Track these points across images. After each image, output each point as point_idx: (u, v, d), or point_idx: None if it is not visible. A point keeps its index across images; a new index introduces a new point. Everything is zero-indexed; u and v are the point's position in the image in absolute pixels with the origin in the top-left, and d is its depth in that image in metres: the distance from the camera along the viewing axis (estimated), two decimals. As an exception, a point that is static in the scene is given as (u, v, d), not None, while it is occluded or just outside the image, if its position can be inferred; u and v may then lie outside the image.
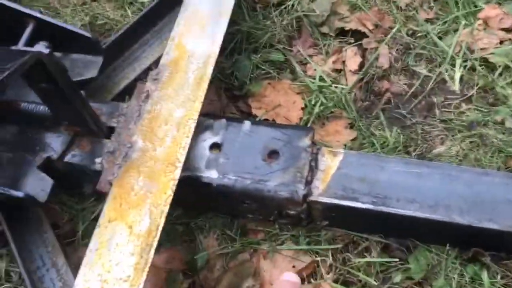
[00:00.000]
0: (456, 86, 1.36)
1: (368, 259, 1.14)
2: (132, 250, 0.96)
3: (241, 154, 1.15)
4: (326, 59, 1.44)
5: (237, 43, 1.46)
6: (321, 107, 1.36)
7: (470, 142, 1.25)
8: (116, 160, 1.08)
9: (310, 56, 1.45)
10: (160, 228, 0.98)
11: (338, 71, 1.43)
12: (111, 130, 1.17)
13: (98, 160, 1.15)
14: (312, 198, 1.10)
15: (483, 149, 1.23)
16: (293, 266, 1.17)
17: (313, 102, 1.37)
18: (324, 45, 1.47)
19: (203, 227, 1.24)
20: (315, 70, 1.42)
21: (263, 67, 1.44)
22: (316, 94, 1.37)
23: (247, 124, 1.18)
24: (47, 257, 1.14)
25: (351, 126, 1.34)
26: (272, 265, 1.17)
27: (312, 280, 1.15)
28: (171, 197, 1.02)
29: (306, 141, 1.15)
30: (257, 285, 1.14)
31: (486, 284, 1.07)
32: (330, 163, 1.14)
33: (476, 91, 1.33)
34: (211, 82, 1.40)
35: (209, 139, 1.17)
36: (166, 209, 1.00)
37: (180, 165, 1.05)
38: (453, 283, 1.09)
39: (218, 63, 1.42)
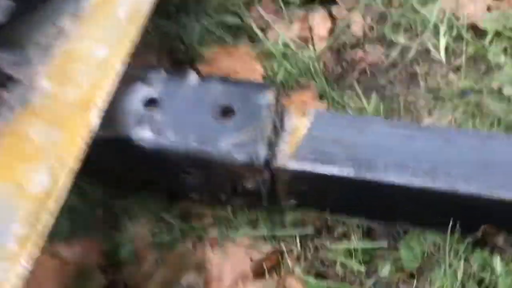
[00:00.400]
0: (442, 55, 1.16)
1: (347, 244, 0.88)
2: (19, 218, 0.67)
3: (184, 111, 0.89)
4: (290, 26, 1.23)
5: (184, 3, 1.23)
6: (285, 75, 1.13)
7: (464, 112, 1.04)
8: (10, 105, 0.79)
9: (273, 21, 1.24)
10: (63, 189, 0.70)
11: (304, 38, 1.21)
12: (12, 79, 0.89)
13: (-9, 111, 0.86)
14: (276, 163, 0.85)
15: (481, 118, 1.03)
16: (251, 259, 0.89)
17: (275, 70, 1.14)
18: (288, 13, 1.26)
19: (131, 211, 0.95)
20: (278, 36, 1.20)
21: (215, 32, 1.20)
22: (279, 60, 1.15)
23: (193, 77, 0.93)
24: None
25: (321, 97, 1.11)
26: (222, 257, 0.89)
27: (275, 275, 0.87)
28: (82, 149, 0.73)
29: (268, 98, 0.90)
30: (201, 281, 0.85)
31: (499, 272, 0.83)
32: (299, 123, 0.89)
33: (465, 60, 1.14)
34: (151, 46, 1.17)
35: (142, 92, 0.91)
36: (74, 164, 0.72)
37: (98, 112, 0.77)
38: (458, 274, 0.84)
39: (160, 25, 1.20)
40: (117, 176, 0.94)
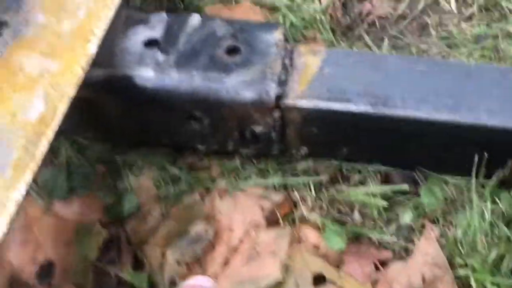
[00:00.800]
0: (452, 5, 1.11)
1: (365, 189, 0.82)
2: (12, 143, 0.61)
3: (188, 52, 0.83)
4: (293, -19, 1.18)
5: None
6: (291, 28, 1.07)
7: (481, 56, 0.99)
8: (3, 39, 0.74)
9: (276, -25, 1.19)
10: (60, 115, 0.64)
11: (308, -7, 1.17)
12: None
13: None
14: (287, 101, 0.79)
15: (498, 62, 0.98)
16: (262, 208, 0.83)
17: (281, 22, 1.09)
18: (291, -30, 1.22)
19: (134, 164, 0.89)
20: (281, -10, 1.15)
21: (215, -14, 1.16)
22: (284, 13, 1.09)
23: (195, 17, 0.88)
24: None
25: (329, 49, 1.06)
26: (232, 207, 0.82)
27: (289, 224, 0.81)
28: (79, 78, 0.68)
29: (276, 36, 0.85)
30: (210, 231, 0.79)
31: (531, 211, 0.78)
32: (310, 62, 0.84)
33: (477, 8, 1.10)
34: (150, 3, 1.12)
35: (143, 33, 0.85)
36: (71, 91, 0.66)
37: (95, 40, 0.72)
38: (486, 215, 0.78)
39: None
40: (118, 126, 0.88)
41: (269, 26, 0.88)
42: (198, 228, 0.80)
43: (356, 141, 0.84)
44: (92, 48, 0.71)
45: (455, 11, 1.11)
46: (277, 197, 0.83)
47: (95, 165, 0.89)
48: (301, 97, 0.79)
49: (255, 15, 1.11)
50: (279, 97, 0.78)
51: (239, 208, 0.82)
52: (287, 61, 0.83)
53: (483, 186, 0.81)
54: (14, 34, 0.73)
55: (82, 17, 0.75)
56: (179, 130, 0.86)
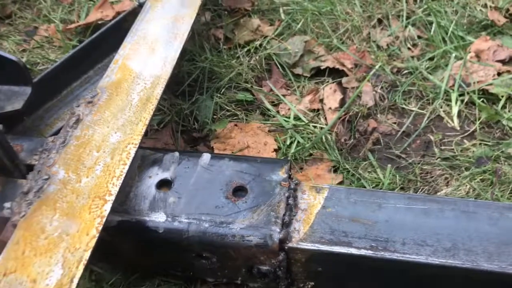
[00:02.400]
0: (455, 122, 1.15)
1: (369, 329, 0.84)
2: (31, 314, 0.66)
3: (198, 192, 0.88)
4: (301, 99, 1.24)
5: (197, 82, 1.25)
6: (298, 148, 1.13)
7: (482, 180, 1.02)
8: (27, 197, 0.80)
9: (283, 96, 1.25)
10: (76, 281, 0.69)
11: (315, 110, 1.22)
12: (31, 169, 0.91)
13: (7, 204, 0.86)
14: (291, 244, 0.83)
15: (499, 187, 1.00)
16: None
17: (288, 143, 1.14)
18: (298, 86, 1.28)
19: (148, 297, 0.93)
20: (289, 109, 1.21)
21: (228, 107, 1.22)
22: (291, 134, 1.15)
23: (205, 156, 0.94)
24: None
25: (335, 170, 1.10)
26: None
27: None
28: (95, 239, 0.73)
29: (280, 174, 0.90)
30: None
31: None
32: (313, 200, 0.88)
33: (478, 125, 1.13)
34: (167, 124, 1.19)
35: (156, 175, 0.91)
36: (86, 255, 0.71)
37: (111, 199, 0.78)
38: None
39: (175, 104, 1.22)
40: (132, 261, 0.93)
41: (274, 163, 0.93)
42: None
43: (359, 279, 0.86)
44: (107, 208, 0.76)
45: (458, 127, 1.15)
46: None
47: (110, 297, 0.94)
48: (304, 239, 0.83)
49: (264, 135, 1.17)
50: (282, 241, 0.82)
51: None
52: (291, 201, 0.87)
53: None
54: (38, 192, 0.80)
55: (99, 173, 0.82)
56: (189, 266, 0.90)
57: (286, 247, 0.83)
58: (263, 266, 0.86)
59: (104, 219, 0.75)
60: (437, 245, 0.81)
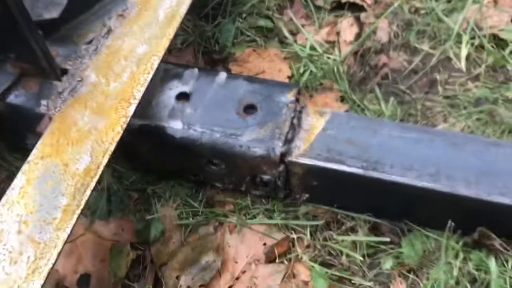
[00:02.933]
0: (462, 64, 1.21)
1: (353, 237, 0.96)
2: (64, 190, 0.78)
3: (212, 106, 0.98)
4: (319, 31, 1.30)
5: (221, 5, 1.32)
6: (310, 76, 1.20)
7: (477, 119, 1.09)
8: (62, 95, 0.91)
9: (303, 26, 1.31)
10: (102, 168, 0.80)
11: (331, 42, 1.28)
12: (65, 72, 1.01)
13: (44, 102, 0.98)
14: (291, 158, 0.93)
15: (492, 127, 1.07)
16: (264, 244, 0.98)
17: (301, 71, 1.22)
18: (317, 18, 1.33)
19: (162, 195, 1.05)
20: (306, 39, 1.28)
21: (248, 33, 1.29)
22: (305, 62, 1.22)
23: (222, 75, 1.02)
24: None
25: (342, 99, 1.18)
26: (239, 241, 0.98)
27: (285, 261, 0.96)
28: (119, 135, 0.84)
29: (288, 97, 0.99)
30: (218, 261, 0.95)
31: (494, 273, 0.88)
32: (315, 122, 0.97)
33: (484, 69, 1.19)
34: (189, 44, 1.27)
35: (176, 88, 1.00)
36: (111, 147, 0.82)
37: (135, 102, 0.88)
38: (453, 271, 0.90)
39: (198, 26, 1.29)
40: (150, 162, 1.04)
41: (284, 86, 1.01)
42: (208, 258, 0.95)
43: (350, 194, 0.97)
44: (132, 110, 0.87)
45: (464, 69, 1.21)
46: (279, 236, 0.98)
47: (129, 192, 1.07)
48: (303, 155, 0.93)
49: (280, 62, 1.24)
50: (284, 154, 0.92)
51: (245, 243, 0.98)
52: (295, 121, 0.96)
53: (458, 242, 0.93)
54: (72, 92, 0.91)
55: (126, 79, 0.91)
56: (200, 171, 1.01)
57: (286, 160, 0.93)
58: (265, 176, 0.96)
59: (128, 119, 0.86)
60: (422, 170, 0.90)
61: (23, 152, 1.10)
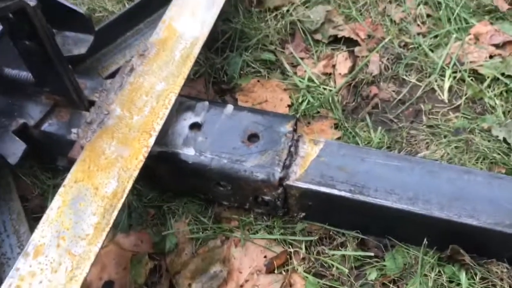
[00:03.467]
0: (445, 95, 1.35)
1: (343, 252, 1.09)
2: (95, 210, 0.92)
3: (220, 135, 1.12)
4: (317, 63, 1.45)
5: (229, 40, 1.46)
6: (308, 106, 1.34)
7: (456, 147, 1.23)
8: (92, 126, 1.05)
9: (302, 59, 1.46)
10: (127, 191, 0.95)
11: (327, 74, 1.42)
12: (92, 104, 1.16)
13: (74, 130, 1.13)
14: (288, 182, 1.07)
15: (469, 154, 1.21)
16: (265, 256, 1.12)
17: (300, 101, 1.36)
18: (316, 51, 1.48)
19: (176, 211, 1.20)
20: (305, 71, 1.42)
21: (253, 65, 1.44)
22: (303, 93, 1.37)
23: (229, 107, 1.17)
24: (10, 224, 1.10)
25: (336, 127, 1.32)
26: (243, 253, 1.12)
27: (283, 272, 1.10)
28: (142, 163, 0.99)
29: (287, 127, 1.13)
30: (224, 271, 1.09)
31: (464, 285, 1.02)
32: (310, 150, 1.11)
33: (464, 100, 1.33)
34: (201, 75, 1.42)
35: (189, 118, 1.15)
36: (135, 173, 0.97)
37: (155, 134, 1.03)
38: (429, 282, 1.03)
39: (209, 58, 1.44)
40: (166, 183, 1.19)
41: (283, 118, 1.15)
42: (216, 268, 1.09)
43: (340, 214, 1.10)
44: (152, 141, 1.01)
45: (446, 100, 1.35)
46: (278, 249, 1.12)
47: (147, 208, 1.21)
48: (299, 179, 1.07)
49: (281, 92, 1.39)
50: (282, 179, 1.06)
51: (248, 255, 1.12)
52: (292, 149, 1.10)
53: (434, 258, 1.06)
54: (100, 123, 1.05)
55: (147, 113, 1.06)
56: (209, 191, 1.16)
57: (284, 184, 1.07)
58: (266, 197, 1.11)
59: (149, 149, 1.01)
60: (402, 194, 1.04)
61: (54, 172, 1.26)
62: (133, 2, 1.45)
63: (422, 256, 1.04)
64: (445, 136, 1.26)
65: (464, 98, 1.33)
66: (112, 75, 1.34)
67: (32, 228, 1.11)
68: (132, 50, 1.40)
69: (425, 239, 1.04)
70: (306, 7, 1.54)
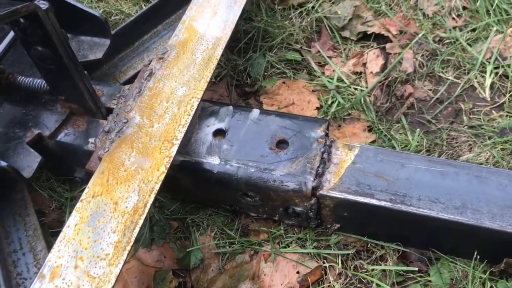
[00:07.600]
0: (487, 93, 1.25)
1: (383, 266, 1.00)
2: (114, 227, 0.85)
3: (247, 142, 1.05)
4: (346, 62, 1.36)
5: (252, 40, 1.39)
6: (338, 108, 1.26)
7: (502, 149, 1.13)
8: (110, 136, 0.99)
9: (330, 57, 1.37)
10: (149, 206, 0.87)
11: (358, 73, 1.33)
12: (110, 112, 1.09)
13: (91, 140, 1.06)
14: (322, 191, 0.98)
15: (517, 157, 1.11)
16: (297, 272, 1.03)
17: (329, 102, 1.27)
18: (344, 49, 1.39)
19: (200, 224, 1.12)
20: (333, 71, 1.33)
21: (278, 66, 1.35)
22: (333, 94, 1.28)
23: (255, 112, 1.09)
24: (26, 241, 1.03)
25: (370, 129, 1.23)
26: (274, 269, 1.04)
27: (317, 288, 1.01)
28: (163, 175, 0.91)
29: (318, 132, 1.04)
30: (255, 289, 1.01)
31: (520, 302, 0.92)
32: (344, 156, 1.03)
33: (508, 98, 1.22)
34: (223, 78, 1.34)
35: (213, 125, 1.07)
36: (157, 186, 0.90)
37: (177, 143, 0.95)
38: (481, 300, 0.94)
39: (231, 60, 1.37)
40: (190, 193, 1.11)
41: (313, 121, 1.07)
42: (245, 285, 1.01)
43: (379, 225, 1.01)
44: (174, 150, 0.94)
45: (488, 98, 1.24)
46: (311, 264, 1.03)
47: (170, 221, 1.14)
48: (333, 189, 0.98)
49: (308, 93, 1.30)
50: (315, 188, 0.98)
51: (279, 271, 1.03)
52: (325, 156, 1.02)
53: (485, 272, 0.96)
54: (118, 133, 0.98)
55: (168, 120, 0.99)
56: (235, 202, 1.08)
57: (317, 194, 0.99)
58: (297, 208, 1.02)
59: (171, 159, 0.93)
60: (448, 203, 0.94)
61: (72, 183, 1.20)
62: (150, 3, 1.39)
63: (473, 270, 0.94)
64: (489, 138, 1.16)
65: (508, 95, 1.23)
66: (130, 81, 1.27)
67: (49, 245, 1.06)
68: (151, 53, 1.33)
69: (475, 252, 0.94)
70: (333, 2, 1.45)
